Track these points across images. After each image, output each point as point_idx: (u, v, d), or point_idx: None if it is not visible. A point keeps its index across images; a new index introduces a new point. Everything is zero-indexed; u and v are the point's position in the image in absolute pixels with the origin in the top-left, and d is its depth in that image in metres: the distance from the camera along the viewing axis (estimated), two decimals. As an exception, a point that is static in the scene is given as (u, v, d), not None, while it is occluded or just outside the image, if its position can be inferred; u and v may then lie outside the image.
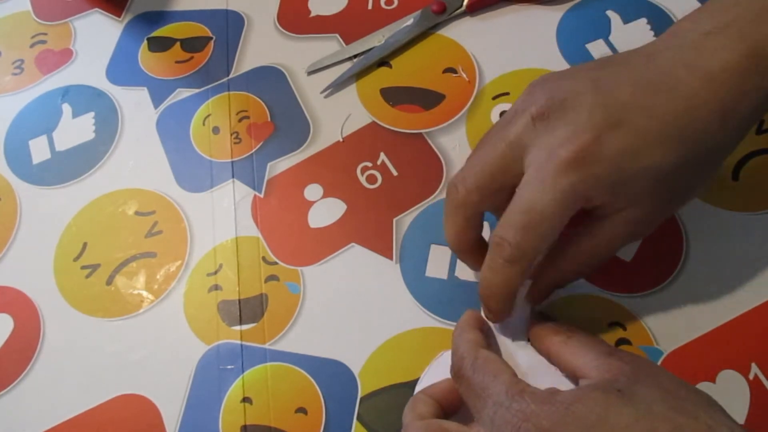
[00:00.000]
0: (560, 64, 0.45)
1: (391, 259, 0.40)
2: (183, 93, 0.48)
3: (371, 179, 0.43)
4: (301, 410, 0.36)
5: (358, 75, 0.47)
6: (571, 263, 0.31)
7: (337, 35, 0.49)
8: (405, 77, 0.47)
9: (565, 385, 0.30)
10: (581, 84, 0.29)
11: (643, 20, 0.46)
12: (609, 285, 0.37)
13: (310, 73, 0.47)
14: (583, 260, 0.31)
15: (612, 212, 0.29)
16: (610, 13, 0.47)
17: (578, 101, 0.28)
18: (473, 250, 0.34)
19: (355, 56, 0.48)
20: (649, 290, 0.37)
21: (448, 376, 0.32)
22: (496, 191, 0.31)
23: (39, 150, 0.47)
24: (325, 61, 0.47)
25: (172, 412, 0.37)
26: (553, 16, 0.47)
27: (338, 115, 0.45)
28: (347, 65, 0.47)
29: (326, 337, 0.38)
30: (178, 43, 0.50)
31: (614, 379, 0.25)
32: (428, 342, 0.37)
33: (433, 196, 0.41)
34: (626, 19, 0.46)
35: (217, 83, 0.48)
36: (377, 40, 0.48)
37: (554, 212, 0.28)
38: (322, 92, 0.46)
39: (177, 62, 0.49)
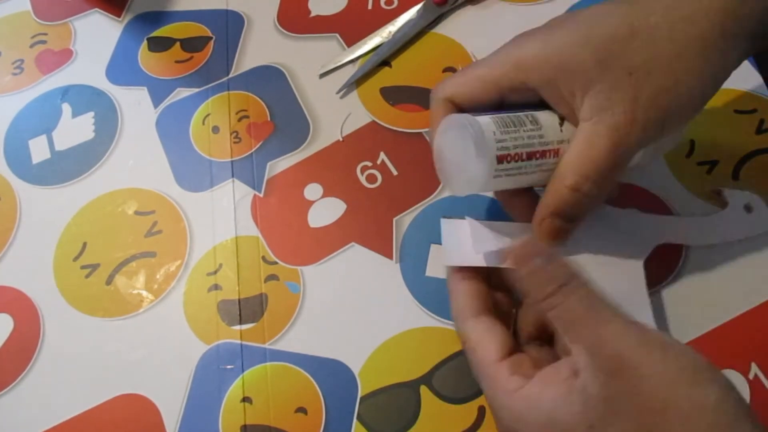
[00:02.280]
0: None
1: (391, 258, 0.40)
2: (183, 92, 0.48)
3: (371, 179, 0.43)
4: (301, 410, 0.36)
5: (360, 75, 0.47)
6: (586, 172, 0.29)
7: (337, 35, 0.49)
8: (405, 76, 0.47)
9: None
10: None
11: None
12: (609, 285, 0.37)
13: (323, 75, 0.47)
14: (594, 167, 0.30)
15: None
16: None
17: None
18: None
19: (362, 55, 0.48)
20: (649, 290, 0.37)
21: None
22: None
23: (39, 150, 0.47)
24: (336, 62, 0.47)
25: (172, 412, 0.37)
26: (555, 12, 0.47)
27: (338, 114, 0.45)
28: (355, 64, 0.47)
29: (326, 336, 0.38)
30: (178, 43, 0.50)
31: (592, 407, 0.25)
32: (428, 342, 0.37)
33: (433, 196, 0.41)
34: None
35: (216, 83, 0.48)
36: (383, 36, 0.48)
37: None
38: (338, 92, 0.46)
39: (177, 62, 0.49)
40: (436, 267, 0.39)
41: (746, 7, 0.28)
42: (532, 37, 0.30)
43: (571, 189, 0.29)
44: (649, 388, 0.24)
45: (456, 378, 0.36)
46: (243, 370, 0.37)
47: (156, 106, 0.48)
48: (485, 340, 0.30)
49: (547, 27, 0.30)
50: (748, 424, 0.23)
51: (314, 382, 0.37)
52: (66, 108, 0.49)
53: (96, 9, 0.53)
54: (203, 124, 0.46)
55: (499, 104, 0.31)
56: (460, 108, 0.32)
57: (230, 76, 0.48)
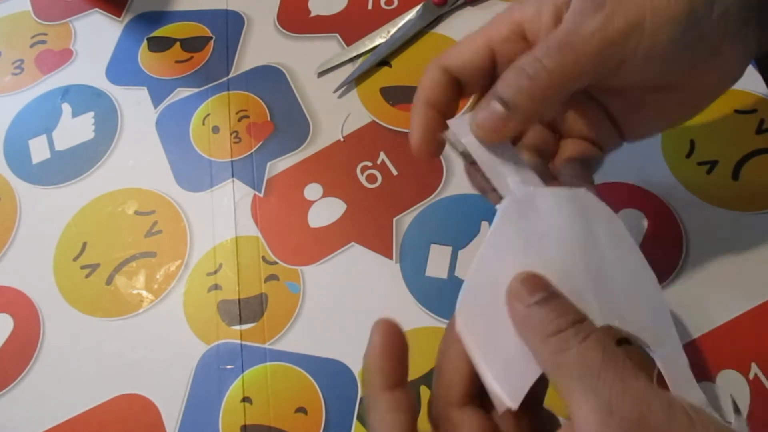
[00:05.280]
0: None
1: (391, 258, 0.40)
2: (183, 92, 0.48)
3: (371, 179, 0.43)
4: (301, 410, 0.36)
5: (358, 75, 0.47)
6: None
7: (337, 35, 0.49)
8: (405, 76, 0.47)
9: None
10: None
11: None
12: (609, 285, 0.37)
13: (321, 74, 0.47)
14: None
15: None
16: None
17: None
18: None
19: (360, 54, 0.48)
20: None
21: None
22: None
23: (39, 149, 0.47)
24: (334, 61, 0.47)
25: (172, 412, 0.37)
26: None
27: (338, 114, 0.45)
28: (354, 63, 0.47)
29: (326, 336, 0.38)
30: (178, 43, 0.50)
31: None
32: (428, 342, 0.37)
33: (433, 196, 0.41)
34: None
35: (216, 83, 0.48)
36: (382, 36, 0.48)
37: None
38: (335, 91, 0.46)
39: (177, 62, 0.49)
40: (436, 267, 0.39)
41: None
42: None
43: (514, 66, 0.26)
44: None
45: (456, 378, 0.36)
46: (243, 370, 0.37)
47: (156, 106, 0.48)
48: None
49: None
50: None
51: (314, 382, 0.37)
52: (66, 108, 0.49)
53: (96, 9, 0.53)
54: (203, 124, 0.46)
55: (492, 63, 0.29)
56: (455, 77, 0.29)
57: (230, 76, 0.48)
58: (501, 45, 0.28)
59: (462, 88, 0.29)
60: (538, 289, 0.23)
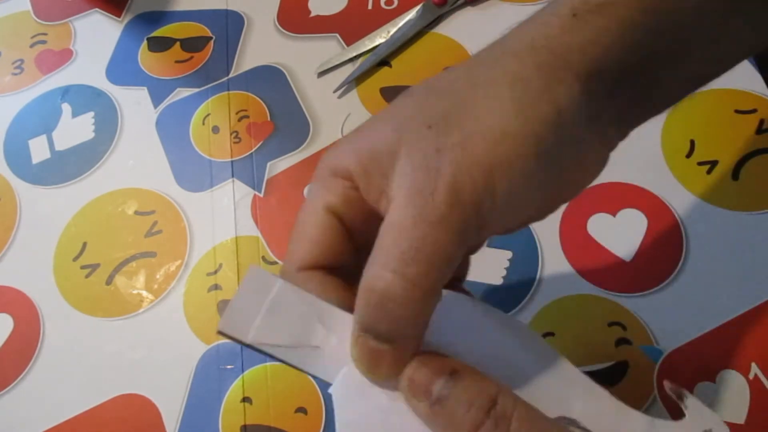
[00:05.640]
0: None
1: (391, 258, 0.40)
2: (183, 92, 0.48)
3: (371, 179, 0.43)
4: (301, 410, 0.36)
5: (358, 74, 0.47)
6: None
7: (337, 35, 0.49)
8: (405, 76, 0.47)
9: None
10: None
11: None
12: (609, 285, 0.37)
13: (321, 74, 0.47)
14: None
15: None
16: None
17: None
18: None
19: (360, 54, 0.48)
20: (649, 290, 0.37)
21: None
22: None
23: (39, 150, 0.47)
24: (334, 61, 0.47)
25: (172, 412, 0.37)
26: (553, 15, 0.47)
27: (338, 114, 0.45)
28: (354, 63, 0.47)
29: (326, 336, 0.38)
30: (177, 43, 0.50)
31: None
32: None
33: (433, 196, 0.41)
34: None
35: (216, 83, 0.48)
36: (382, 36, 0.48)
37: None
38: (335, 91, 0.46)
39: (177, 62, 0.49)
40: (436, 267, 0.39)
41: (570, 36, 0.23)
42: (343, 142, 0.25)
43: (370, 291, 0.21)
44: None
45: (456, 378, 0.36)
46: (243, 370, 0.37)
47: (156, 106, 0.48)
48: None
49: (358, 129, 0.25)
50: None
51: (314, 382, 0.37)
52: (66, 108, 0.49)
53: (96, 9, 0.53)
54: (203, 124, 0.46)
55: (346, 230, 0.24)
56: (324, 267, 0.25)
57: (230, 76, 0.48)
58: (345, 209, 0.24)
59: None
60: (438, 374, 0.21)
